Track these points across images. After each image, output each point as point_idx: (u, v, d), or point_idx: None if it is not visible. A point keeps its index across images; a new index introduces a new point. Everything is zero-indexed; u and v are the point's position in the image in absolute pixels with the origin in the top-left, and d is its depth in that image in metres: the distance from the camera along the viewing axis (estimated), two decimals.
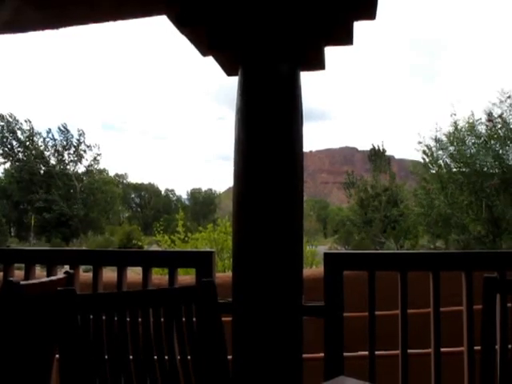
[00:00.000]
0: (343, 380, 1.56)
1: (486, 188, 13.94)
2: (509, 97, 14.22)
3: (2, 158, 37.63)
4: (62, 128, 39.48)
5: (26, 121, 38.11)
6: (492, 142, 14.46)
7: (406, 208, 24.01)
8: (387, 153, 31.18)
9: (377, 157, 30.72)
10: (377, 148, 31.63)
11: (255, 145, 1.95)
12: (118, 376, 1.45)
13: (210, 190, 60.97)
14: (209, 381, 1.57)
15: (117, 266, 2.30)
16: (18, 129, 37.87)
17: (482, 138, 14.60)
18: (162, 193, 60.46)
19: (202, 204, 57.07)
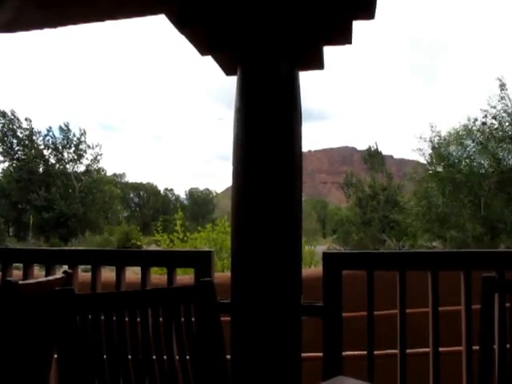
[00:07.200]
0: (342, 380, 1.57)
1: (485, 186, 14.01)
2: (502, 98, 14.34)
3: (1, 157, 37.57)
4: (64, 127, 39.36)
5: (25, 119, 38.04)
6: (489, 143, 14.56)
7: (403, 209, 24.05)
8: (386, 153, 31.30)
9: (372, 157, 30.77)
10: (373, 148, 31.67)
11: (254, 144, 1.95)
12: (117, 376, 1.45)
13: (209, 189, 60.99)
14: (208, 381, 1.57)
15: (115, 266, 2.30)
16: (18, 127, 37.74)
17: (479, 139, 14.70)
18: (161, 192, 60.37)
19: (200, 204, 57.02)
